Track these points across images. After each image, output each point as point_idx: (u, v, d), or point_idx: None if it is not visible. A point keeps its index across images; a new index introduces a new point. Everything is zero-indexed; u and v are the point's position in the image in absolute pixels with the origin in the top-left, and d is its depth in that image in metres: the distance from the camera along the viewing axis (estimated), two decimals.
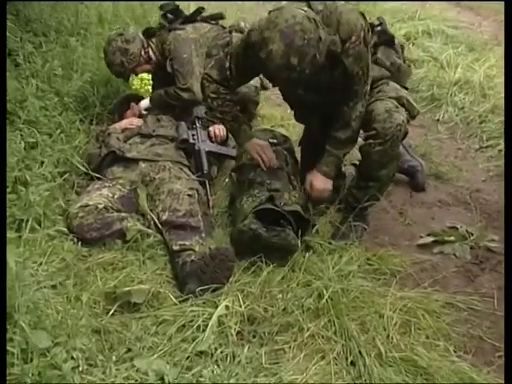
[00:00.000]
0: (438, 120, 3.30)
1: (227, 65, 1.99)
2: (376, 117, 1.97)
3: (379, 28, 2.15)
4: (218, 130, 2.52)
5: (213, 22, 2.80)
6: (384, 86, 2.08)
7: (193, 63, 2.55)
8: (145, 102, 2.70)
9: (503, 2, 2.16)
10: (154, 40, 2.65)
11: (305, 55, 1.70)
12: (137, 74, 2.74)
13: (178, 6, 2.73)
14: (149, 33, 2.67)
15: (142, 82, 3.12)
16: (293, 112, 2.41)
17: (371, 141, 1.99)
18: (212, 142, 2.52)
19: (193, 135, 2.47)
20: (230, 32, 2.75)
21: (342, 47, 1.83)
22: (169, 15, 2.69)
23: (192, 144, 2.43)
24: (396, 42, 2.20)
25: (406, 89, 2.18)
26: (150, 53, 2.65)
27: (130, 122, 2.56)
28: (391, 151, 2.00)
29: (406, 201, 2.51)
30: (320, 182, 2.06)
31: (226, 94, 2.06)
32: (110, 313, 1.62)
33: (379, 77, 2.08)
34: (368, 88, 1.99)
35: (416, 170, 2.59)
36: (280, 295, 1.75)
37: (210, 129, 2.54)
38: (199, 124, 2.53)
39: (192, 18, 2.73)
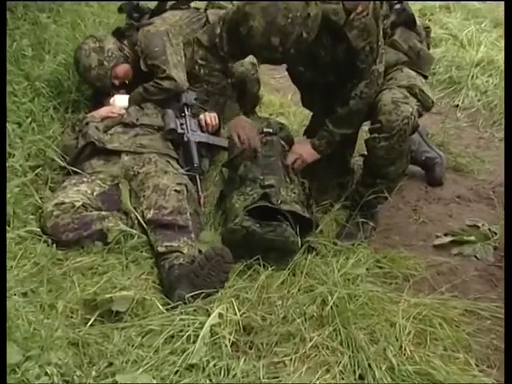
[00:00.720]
0: (458, 106, 3.33)
1: (218, 31, 1.99)
2: (382, 108, 2.00)
3: (398, 6, 2.16)
4: (210, 118, 2.55)
5: (183, 6, 2.81)
6: (397, 73, 2.10)
7: (167, 53, 2.57)
8: (121, 100, 2.64)
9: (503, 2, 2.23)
10: (125, 42, 2.67)
11: (288, 35, 1.71)
12: (117, 80, 2.66)
13: (138, 4, 2.76)
14: (119, 33, 2.69)
15: None
16: (299, 96, 2.45)
17: (376, 135, 2.02)
18: (203, 131, 2.54)
19: (181, 124, 2.49)
20: (206, 10, 2.78)
21: (345, 19, 1.85)
22: (134, 14, 2.72)
23: (180, 134, 2.46)
24: (418, 23, 2.21)
25: (425, 78, 2.19)
26: (125, 52, 2.67)
27: (111, 109, 2.58)
28: (398, 147, 2.03)
29: (420, 196, 2.54)
30: (304, 148, 2.14)
31: (214, 63, 2.06)
32: (89, 323, 1.65)
33: (394, 62, 2.10)
34: (381, 69, 2.01)
35: (434, 162, 2.62)
36: (279, 302, 1.78)
37: (201, 117, 2.56)
38: (188, 112, 2.56)
39: (160, 10, 2.75)
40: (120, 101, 2.64)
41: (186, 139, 2.45)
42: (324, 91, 2.18)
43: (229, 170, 2.32)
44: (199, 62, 2.09)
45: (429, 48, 2.25)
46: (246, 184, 2.12)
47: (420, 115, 2.12)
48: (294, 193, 2.09)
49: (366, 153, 2.20)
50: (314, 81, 2.13)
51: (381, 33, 1.98)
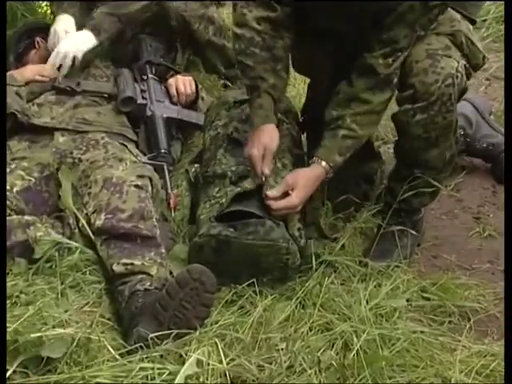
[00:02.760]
0: None
1: None
2: (413, 65, 2.03)
3: None
4: (184, 83, 2.60)
5: None
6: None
7: None
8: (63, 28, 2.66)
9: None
10: None
11: None
12: None
13: None
14: None
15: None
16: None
17: (408, 106, 2.05)
18: (173, 103, 2.59)
19: (142, 91, 2.54)
20: None
21: None
22: None
23: (141, 106, 2.51)
24: None
25: (473, 23, 2.23)
26: None
27: (40, 70, 2.63)
28: (442, 120, 2.06)
29: (485, 199, 2.60)
30: (305, 189, 2.04)
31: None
32: (9, 373, 1.65)
33: None
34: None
35: (501, 150, 2.68)
36: (283, 345, 1.81)
37: (171, 82, 2.61)
38: (152, 74, 2.61)
39: None
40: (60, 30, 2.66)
41: (149, 113, 2.49)
42: (336, 47, 2.17)
43: (200, 166, 2.34)
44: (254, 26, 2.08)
45: None
46: (214, 183, 2.14)
47: (467, 75, 2.13)
48: None
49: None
50: (324, 29, 2.13)
51: None
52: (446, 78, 2.01)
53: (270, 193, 2.00)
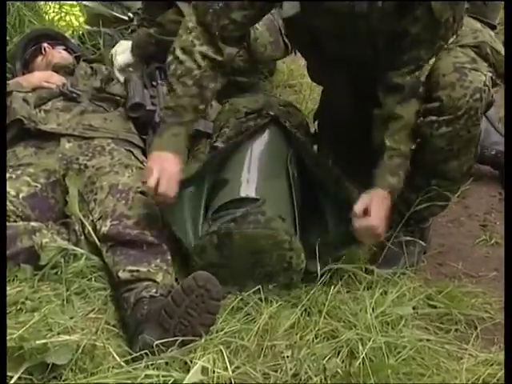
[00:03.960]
0: None
1: None
2: (440, 78, 2.03)
3: None
4: None
5: None
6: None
7: None
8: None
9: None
10: None
11: None
12: None
13: None
14: None
15: (62, 8, 3.23)
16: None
17: (433, 117, 2.05)
18: None
19: (152, 98, 2.55)
20: None
21: None
22: None
23: (150, 112, 2.51)
24: None
25: (493, 28, 2.24)
26: None
27: (47, 76, 2.66)
28: (466, 133, 2.06)
29: (492, 207, 2.62)
30: (380, 208, 2.02)
31: None
32: (13, 381, 1.65)
33: None
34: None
35: None
36: (288, 352, 1.81)
37: None
38: (162, 80, 2.61)
39: None
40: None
41: (157, 119, 2.49)
42: (345, 62, 2.20)
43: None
44: None
45: None
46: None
47: (494, 85, 2.13)
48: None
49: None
50: (335, 52, 2.16)
51: None
52: (474, 93, 2.01)
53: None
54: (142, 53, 2.78)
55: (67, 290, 1.98)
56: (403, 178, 2.08)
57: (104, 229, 2.05)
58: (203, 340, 1.82)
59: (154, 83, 2.63)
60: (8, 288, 1.94)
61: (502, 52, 2.15)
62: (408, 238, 2.22)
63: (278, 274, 2.04)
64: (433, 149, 2.10)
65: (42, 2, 3.06)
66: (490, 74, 2.08)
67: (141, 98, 2.54)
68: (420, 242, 2.26)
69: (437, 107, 2.04)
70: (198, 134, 2.62)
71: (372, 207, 2.01)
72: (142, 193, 2.13)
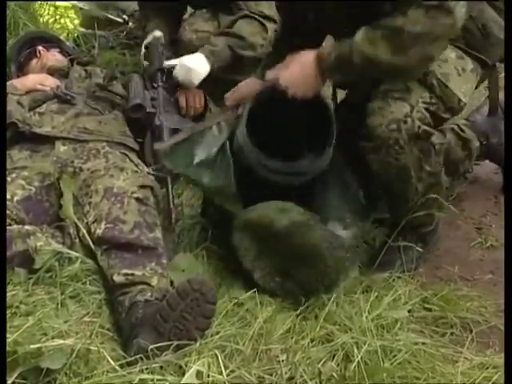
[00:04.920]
0: None
1: None
2: (369, 105, 2.04)
3: None
4: (193, 96, 2.63)
5: None
6: None
7: None
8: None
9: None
10: None
11: None
12: None
13: None
14: None
15: (57, 10, 3.24)
16: None
17: (364, 143, 2.07)
18: (181, 114, 2.62)
19: (152, 99, 2.55)
20: None
21: None
22: None
23: (150, 114, 2.52)
24: None
25: (484, 65, 2.18)
26: None
27: (42, 79, 2.67)
28: (395, 161, 2.06)
29: (488, 209, 2.62)
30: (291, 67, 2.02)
31: None
32: None
33: None
34: None
35: None
36: (284, 356, 1.82)
37: (181, 94, 2.64)
38: (163, 82, 2.62)
39: None
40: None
41: (157, 122, 2.50)
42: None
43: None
44: None
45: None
46: None
47: (439, 117, 2.11)
48: None
49: None
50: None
51: None
52: (389, 123, 2.02)
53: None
54: (221, 65, 2.76)
55: (62, 294, 1.98)
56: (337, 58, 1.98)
57: (99, 231, 2.06)
58: (198, 344, 1.82)
59: (155, 85, 2.63)
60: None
61: (460, 89, 2.11)
62: (404, 244, 2.24)
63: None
64: (374, 171, 2.13)
65: (37, 5, 3.05)
66: (426, 105, 2.06)
67: (141, 100, 2.54)
68: (416, 247, 2.28)
69: (365, 133, 2.06)
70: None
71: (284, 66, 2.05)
72: (136, 199, 2.13)
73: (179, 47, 2.92)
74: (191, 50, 2.78)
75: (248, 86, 2.28)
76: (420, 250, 2.29)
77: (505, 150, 2.01)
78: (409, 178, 2.13)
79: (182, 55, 2.76)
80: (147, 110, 2.53)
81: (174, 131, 2.51)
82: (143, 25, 3.01)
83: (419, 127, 2.05)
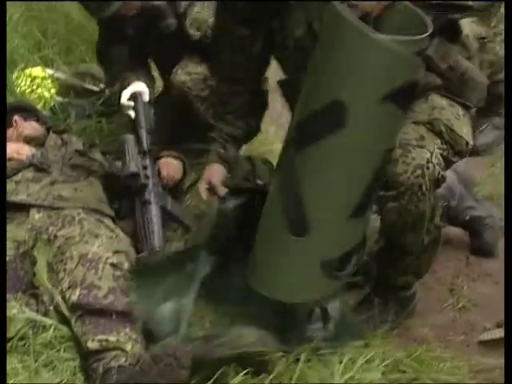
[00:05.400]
0: None
1: None
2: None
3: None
4: (167, 167, 2.66)
5: None
6: (418, 103, 2.16)
7: None
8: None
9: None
10: None
11: None
12: None
13: None
14: None
15: (33, 81, 3.29)
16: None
17: (381, 192, 2.08)
18: (163, 187, 2.59)
19: (144, 168, 2.53)
20: None
21: None
22: None
23: (143, 186, 2.50)
24: (467, 32, 2.25)
25: (467, 108, 2.24)
26: None
27: (18, 148, 2.69)
28: (415, 208, 2.10)
29: (460, 271, 2.67)
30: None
31: None
32: None
33: (421, 87, 2.10)
34: None
35: (483, 224, 2.77)
36: None
37: (161, 164, 2.66)
38: (149, 145, 2.57)
39: None
40: None
41: (147, 197, 2.49)
42: None
43: None
44: None
45: (482, 68, 2.31)
46: None
47: (449, 162, 2.18)
48: None
49: None
50: None
51: None
52: (415, 169, 2.04)
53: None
54: None
55: (35, 362, 1.97)
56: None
57: (73, 297, 2.06)
58: None
59: (145, 150, 2.60)
60: None
61: (463, 131, 2.18)
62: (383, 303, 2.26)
63: None
64: (387, 222, 2.15)
65: (14, 75, 3.10)
66: (440, 151, 2.11)
67: (136, 167, 2.52)
68: (396, 307, 2.30)
69: (383, 182, 2.06)
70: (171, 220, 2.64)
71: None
72: (111, 264, 2.15)
73: (171, 91, 2.90)
74: (184, 93, 2.78)
75: (217, 173, 2.32)
76: (397, 311, 2.31)
77: (505, 151, 2.02)
78: (422, 227, 2.16)
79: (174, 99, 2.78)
80: (141, 181, 2.51)
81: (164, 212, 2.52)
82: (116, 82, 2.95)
83: (439, 173, 2.10)
